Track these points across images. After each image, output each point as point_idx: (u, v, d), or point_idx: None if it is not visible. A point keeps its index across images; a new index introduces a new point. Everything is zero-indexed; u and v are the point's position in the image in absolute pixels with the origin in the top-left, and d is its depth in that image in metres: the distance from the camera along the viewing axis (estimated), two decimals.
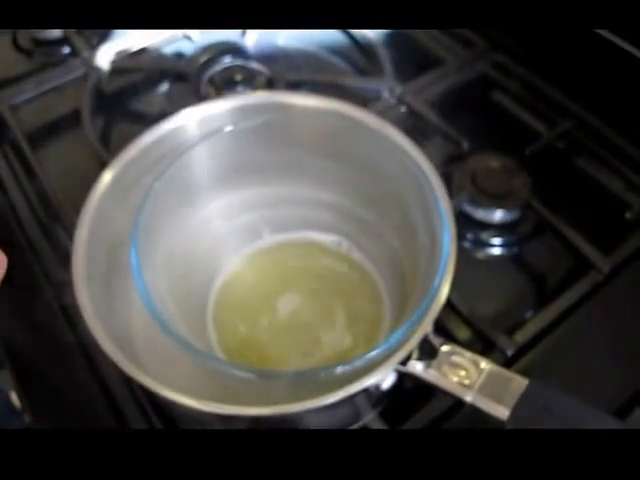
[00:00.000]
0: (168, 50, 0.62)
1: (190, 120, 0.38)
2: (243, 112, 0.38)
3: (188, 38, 0.61)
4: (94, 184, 0.38)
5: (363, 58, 0.61)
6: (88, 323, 0.31)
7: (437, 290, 0.31)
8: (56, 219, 0.49)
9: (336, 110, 0.38)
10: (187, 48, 0.61)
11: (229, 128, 0.36)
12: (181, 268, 0.38)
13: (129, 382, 0.38)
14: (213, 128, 0.37)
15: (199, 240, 0.40)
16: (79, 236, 0.34)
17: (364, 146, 0.37)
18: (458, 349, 0.33)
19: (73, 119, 0.56)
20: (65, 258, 0.45)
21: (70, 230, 0.47)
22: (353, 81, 0.57)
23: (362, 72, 0.60)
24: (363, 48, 0.62)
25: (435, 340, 0.33)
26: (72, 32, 0.63)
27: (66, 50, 0.63)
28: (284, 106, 0.38)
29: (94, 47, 0.60)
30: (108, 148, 0.54)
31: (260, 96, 0.39)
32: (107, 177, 0.36)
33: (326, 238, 0.42)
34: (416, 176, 0.35)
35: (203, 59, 0.57)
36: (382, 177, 0.38)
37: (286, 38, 0.63)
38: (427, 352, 0.32)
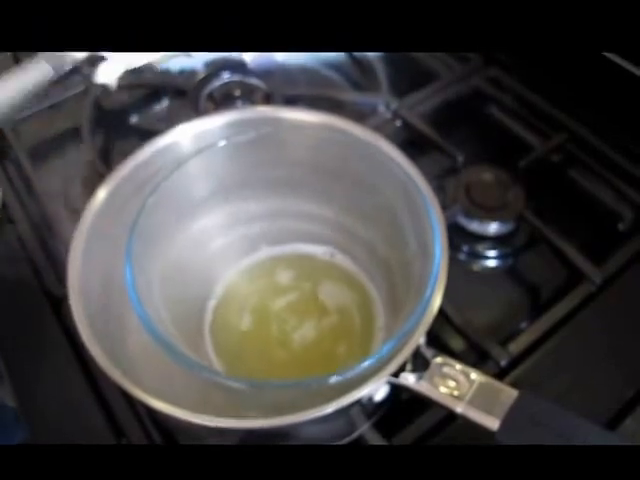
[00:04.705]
0: (167, 66, 0.62)
1: (185, 135, 0.39)
2: (237, 127, 0.38)
3: (187, 54, 0.62)
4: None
5: (360, 73, 0.62)
6: (83, 337, 0.32)
7: (428, 302, 0.32)
8: (55, 235, 0.50)
9: (329, 124, 0.38)
10: (186, 64, 0.62)
11: (222, 143, 0.37)
12: (177, 281, 0.38)
13: (127, 396, 0.39)
14: (207, 143, 0.37)
15: (195, 253, 0.40)
16: (74, 252, 0.34)
17: (357, 159, 0.38)
18: (449, 360, 0.33)
19: (73, 135, 0.57)
20: (64, 274, 0.47)
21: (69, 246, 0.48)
22: (350, 96, 0.58)
23: (359, 86, 0.61)
24: (360, 63, 0.63)
25: (427, 352, 0.33)
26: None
27: (66, 66, 0.64)
28: (277, 121, 0.39)
29: (94, 64, 0.61)
30: (108, 164, 0.55)
31: (254, 111, 0.40)
32: (102, 193, 0.37)
33: (320, 250, 0.43)
34: (408, 189, 0.35)
35: (202, 75, 0.58)
36: (375, 190, 0.38)
37: (284, 53, 0.64)
38: (419, 364, 0.33)
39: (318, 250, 0.43)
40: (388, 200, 0.37)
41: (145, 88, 0.61)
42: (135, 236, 0.32)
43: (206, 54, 0.61)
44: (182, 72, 0.62)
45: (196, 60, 0.61)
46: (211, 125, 0.39)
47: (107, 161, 0.55)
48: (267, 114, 0.39)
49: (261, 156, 0.38)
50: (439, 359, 0.33)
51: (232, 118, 0.39)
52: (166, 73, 0.62)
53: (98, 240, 0.35)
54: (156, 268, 0.36)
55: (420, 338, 0.32)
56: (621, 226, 0.50)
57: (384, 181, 0.37)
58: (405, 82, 0.59)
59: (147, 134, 0.58)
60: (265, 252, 0.43)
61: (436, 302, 0.32)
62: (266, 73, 0.59)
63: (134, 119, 0.60)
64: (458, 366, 0.33)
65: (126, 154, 0.58)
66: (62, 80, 0.62)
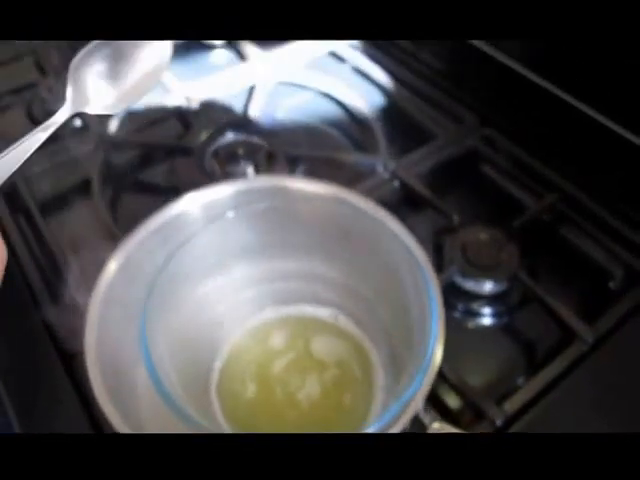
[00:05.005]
0: (173, 125, 0.65)
1: (194, 204, 0.41)
2: (246, 196, 0.40)
3: (194, 113, 0.65)
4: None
5: (359, 132, 0.65)
6: (98, 398, 0.33)
7: (427, 370, 0.34)
8: (66, 287, 0.51)
9: (335, 196, 0.40)
10: (192, 123, 0.64)
11: (231, 214, 0.38)
12: (185, 343, 0.40)
13: None
14: (216, 212, 0.39)
15: (202, 315, 0.42)
16: (90, 323, 0.36)
17: (360, 228, 0.40)
18: (447, 426, 0.35)
19: (83, 190, 0.59)
20: (73, 326, 0.48)
21: (80, 299, 0.49)
22: (350, 157, 0.61)
23: (358, 144, 0.64)
24: (360, 122, 0.65)
25: (425, 417, 0.35)
26: None
27: (77, 123, 0.67)
28: (286, 191, 0.41)
29: (104, 121, 0.64)
30: (116, 217, 0.57)
31: (262, 180, 0.42)
32: (114, 264, 0.38)
33: (324, 312, 0.44)
34: (409, 260, 0.37)
35: (207, 134, 0.61)
36: (378, 257, 0.40)
37: (287, 111, 0.67)
38: (417, 428, 0.34)
39: (323, 312, 0.44)
40: (390, 267, 0.39)
41: (152, 146, 0.63)
42: (147, 313, 0.34)
43: (210, 113, 0.64)
44: (187, 130, 0.64)
45: (200, 119, 0.64)
46: (220, 194, 0.41)
47: (115, 215, 0.58)
48: (275, 184, 0.41)
49: (268, 224, 0.40)
50: (437, 424, 0.35)
51: (241, 187, 0.41)
52: (172, 132, 0.65)
53: (111, 308, 0.37)
54: (164, 331, 0.37)
55: (419, 405, 0.33)
56: (612, 285, 0.52)
57: (386, 250, 0.39)
58: (403, 142, 0.62)
59: (154, 190, 0.62)
60: (271, 313, 0.44)
61: (433, 370, 0.34)
62: (269, 132, 0.61)
63: (141, 175, 0.62)
64: (455, 432, 0.34)
65: (133, 208, 0.61)
66: (73, 136, 0.66)
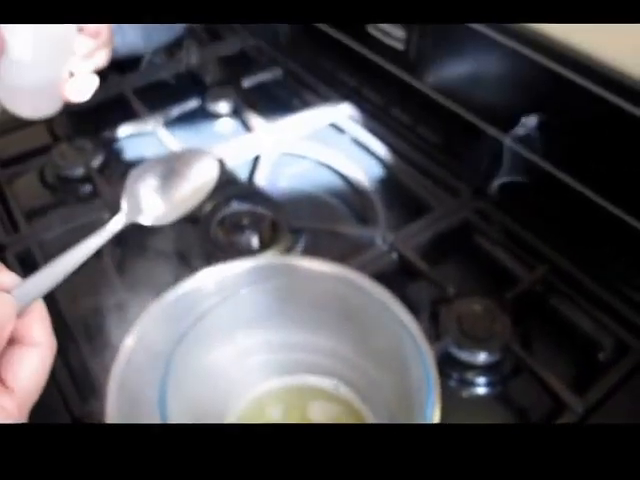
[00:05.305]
0: None
1: (207, 281, 0.43)
2: (257, 273, 0.43)
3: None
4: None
5: (359, 201, 0.68)
6: None
7: None
8: (75, 348, 0.54)
9: (338, 274, 0.43)
10: None
11: (245, 291, 0.41)
12: (196, 414, 0.41)
13: None
14: (229, 289, 0.42)
15: (210, 385, 0.44)
16: (111, 398, 0.38)
17: (361, 304, 0.42)
18: None
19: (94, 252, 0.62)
20: (84, 389, 0.50)
21: (89, 359, 0.52)
22: (350, 230, 0.64)
23: (358, 214, 0.67)
24: (358, 192, 0.68)
25: None
26: (94, 171, 0.70)
27: (88, 189, 0.70)
28: (293, 269, 0.44)
29: (114, 186, 0.66)
30: (124, 279, 0.59)
31: (272, 258, 0.45)
32: (130, 340, 0.40)
33: (325, 382, 0.46)
34: (406, 334, 0.40)
35: (212, 204, 0.63)
36: (378, 331, 0.42)
37: (290, 181, 0.70)
38: None
39: (324, 382, 0.46)
40: (390, 341, 0.41)
41: None
42: (164, 392, 0.36)
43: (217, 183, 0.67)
44: None
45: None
46: (233, 271, 0.43)
47: (123, 277, 0.60)
48: (284, 262, 0.44)
49: (276, 299, 0.42)
50: None
51: (252, 265, 0.43)
52: None
53: (129, 378, 0.39)
54: (178, 404, 0.39)
55: None
56: (602, 356, 0.53)
57: (386, 326, 0.41)
58: (400, 213, 0.65)
59: (161, 254, 0.64)
60: (273, 383, 0.46)
61: None
62: (273, 202, 0.64)
63: (149, 240, 0.64)
64: None
65: (141, 272, 0.63)
66: (85, 202, 0.69)
